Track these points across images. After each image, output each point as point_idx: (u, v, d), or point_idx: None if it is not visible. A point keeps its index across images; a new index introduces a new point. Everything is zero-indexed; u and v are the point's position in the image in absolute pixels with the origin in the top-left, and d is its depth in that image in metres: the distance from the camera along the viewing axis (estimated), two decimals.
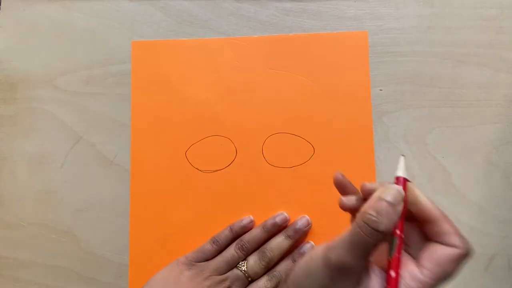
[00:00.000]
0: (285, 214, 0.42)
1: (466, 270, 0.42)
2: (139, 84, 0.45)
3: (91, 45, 0.46)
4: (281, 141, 0.44)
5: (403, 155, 0.29)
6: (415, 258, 0.27)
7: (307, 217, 0.42)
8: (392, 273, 0.25)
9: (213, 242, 0.41)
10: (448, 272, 0.25)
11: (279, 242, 0.40)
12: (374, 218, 0.25)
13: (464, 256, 0.26)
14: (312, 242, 0.41)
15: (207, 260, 0.40)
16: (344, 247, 0.25)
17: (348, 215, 0.31)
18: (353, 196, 0.30)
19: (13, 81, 0.46)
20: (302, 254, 0.40)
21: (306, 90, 0.44)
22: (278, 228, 0.41)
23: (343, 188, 0.30)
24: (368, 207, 0.25)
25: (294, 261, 0.40)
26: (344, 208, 0.30)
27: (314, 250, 0.27)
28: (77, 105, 0.46)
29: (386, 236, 0.25)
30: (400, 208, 0.25)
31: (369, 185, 0.28)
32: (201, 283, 0.38)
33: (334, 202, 0.42)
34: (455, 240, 0.26)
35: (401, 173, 0.28)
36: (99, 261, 0.43)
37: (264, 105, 0.44)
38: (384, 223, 0.24)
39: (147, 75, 0.45)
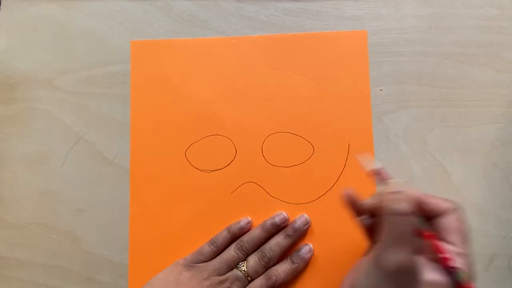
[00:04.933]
0: (284, 214, 0.42)
1: None
2: (139, 84, 0.45)
3: (91, 45, 0.46)
4: (281, 141, 0.44)
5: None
6: None
7: (306, 216, 0.42)
8: (437, 241, 0.29)
9: (211, 244, 0.41)
10: (464, 231, 0.29)
11: (279, 241, 0.40)
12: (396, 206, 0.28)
13: (458, 210, 0.30)
14: (310, 245, 0.41)
15: (205, 262, 0.40)
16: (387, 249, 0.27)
17: (346, 214, 0.34)
18: (365, 216, 0.33)
19: (13, 81, 0.46)
20: (300, 256, 0.40)
21: (306, 89, 0.44)
22: (277, 228, 0.41)
23: (353, 205, 0.33)
24: (386, 204, 0.28)
25: (293, 262, 0.40)
26: (362, 227, 0.34)
27: (361, 269, 0.29)
28: (77, 105, 0.46)
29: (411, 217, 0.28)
30: (405, 191, 0.29)
31: (367, 203, 0.32)
32: (201, 283, 0.38)
33: (333, 201, 0.42)
34: (445, 206, 0.30)
35: (379, 164, 0.32)
36: (99, 261, 0.43)
37: (264, 104, 0.44)
38: (403, 205, 0.28)
39: (147, 75, 0.45)
